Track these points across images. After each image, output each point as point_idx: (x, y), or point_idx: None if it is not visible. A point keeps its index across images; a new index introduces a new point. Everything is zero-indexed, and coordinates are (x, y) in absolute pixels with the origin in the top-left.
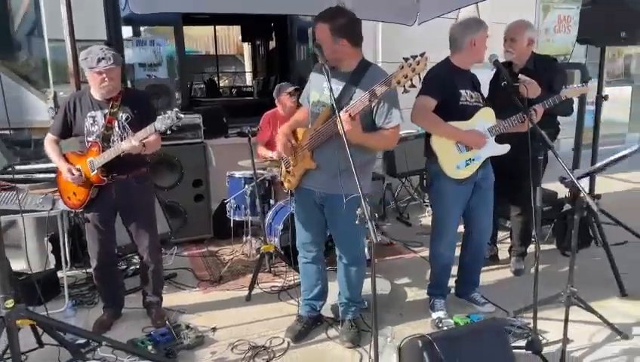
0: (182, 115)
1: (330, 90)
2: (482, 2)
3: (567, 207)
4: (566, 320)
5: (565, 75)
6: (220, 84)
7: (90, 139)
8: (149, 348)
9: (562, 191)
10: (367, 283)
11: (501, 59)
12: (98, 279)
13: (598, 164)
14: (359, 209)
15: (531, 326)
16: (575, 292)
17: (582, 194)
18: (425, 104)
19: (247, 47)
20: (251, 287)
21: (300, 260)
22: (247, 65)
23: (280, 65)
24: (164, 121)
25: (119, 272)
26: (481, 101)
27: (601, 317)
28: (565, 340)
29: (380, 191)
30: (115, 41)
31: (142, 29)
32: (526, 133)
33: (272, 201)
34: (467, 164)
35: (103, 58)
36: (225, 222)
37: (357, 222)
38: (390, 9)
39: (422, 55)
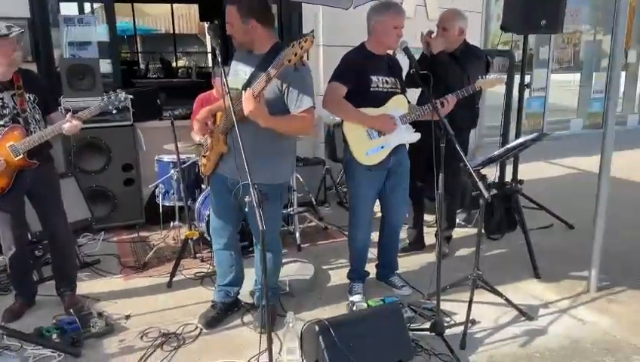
0: (129, 96)
1: (223, 73)
2: None
3: (493, 191)
4: (470, 303)
5: (486, 63)
6: (180, 65)
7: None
8: (54, 336)
9: (493, 175)
10: (287, 268)
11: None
12: (12, 267)
13: (496, 152)
14: (247, 197)
15: (442, 308)
16: (481, 276)
17: (480, 184)
18: (334, 90)
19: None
20: (172, 274)
21: (213, 246)
22: (209, 46)
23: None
24: (110, 100)
25: (32, 259)
26: (398, 87)
27: (506, 299)
28: (468, 322)
29: (320, 176)
30: (39, 19)
31: (95, 5)
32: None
33: (203, 186)
34: (377, 151)
35: (11, 26)
36: (157, 207)
37: (246, 210)
38: None
39: (310, 33)
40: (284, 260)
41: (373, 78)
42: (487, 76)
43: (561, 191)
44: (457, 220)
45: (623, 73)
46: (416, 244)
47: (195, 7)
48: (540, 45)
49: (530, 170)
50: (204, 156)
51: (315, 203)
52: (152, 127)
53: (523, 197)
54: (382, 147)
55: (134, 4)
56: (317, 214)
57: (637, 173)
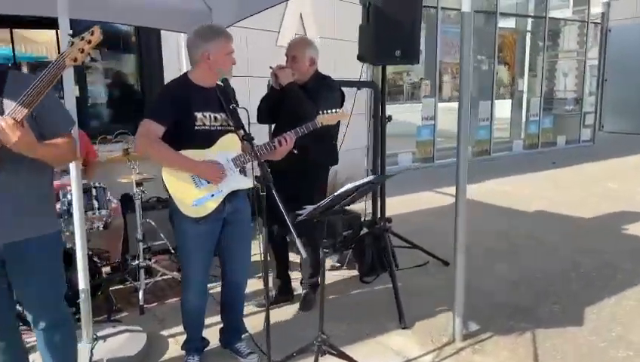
0: None
1: None
2: (306, 14)
3: (365, 230)
4: None
5: (338, 95)
6: None
7: None
8: None
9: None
10: (111, 342)
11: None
12: None
13: (323, 201)
14: None
15: None
16: (326, 340)
17: (298, 241)
18: (149, 129)
19: None
20: None
21: None
22: None
23: None
24: None
25: None
26: (231, 124)
27: None
28: None
29: None
30: None
31: None
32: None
33: None
34: (206, 200)
35: None
36: None
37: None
38: (181, 18)
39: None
40: (111, 330)
41: (198, 115)
42: (329, 111)
43: (445, 222)
44: (331, 262)
45: (509, 100)
46: (284, 295)
47: None
48: (430, 75)
49: (419, 201)
50: None
51: (173, 251)
52: None
53: (394, 235)
54: (212, 195)
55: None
56: (176, 263)
57: (519, 200)
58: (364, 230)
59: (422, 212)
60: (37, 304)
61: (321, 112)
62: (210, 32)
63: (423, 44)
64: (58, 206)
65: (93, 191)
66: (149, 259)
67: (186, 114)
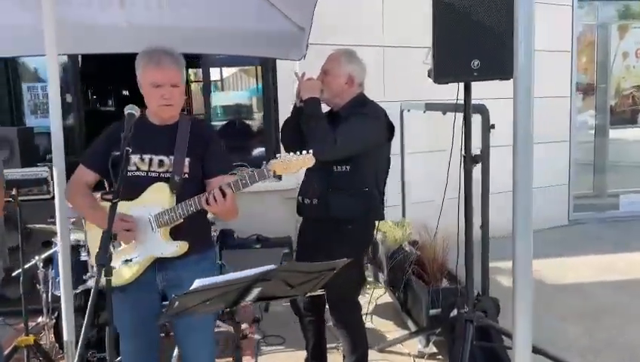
0: None
1: None
2: None
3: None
4: None
5: (376, 128)
6: None
7: None
8: None
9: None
10: None
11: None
12: None
13: (192, 292)
14: None
15: None
16: None
17: None
18: (76, 175)
19: None
20: None
21: None
22: None
23: None
24: None
25: None
26: (183, 170)
27: None
28: None
29: (277, 262)
30: None
31: None
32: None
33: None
34: (121, 266)
35: None
36: None
37: None
38: (272, 43)
39: None
40: None
41: (134, 159)
42: (292, 153)
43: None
44: (420, 346)
45: None
46: None
47: None
48: None
49: (620, 265)
50: None
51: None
52: None
53: (495, 330)
54: (129, 260)
55: None
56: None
57: None
58: (455, 311)
59: (611, 284)
60: None
61: (277, 157)
62: (139, 56)
63: None
64: None
65: None
66: None
67: (122, 157)
